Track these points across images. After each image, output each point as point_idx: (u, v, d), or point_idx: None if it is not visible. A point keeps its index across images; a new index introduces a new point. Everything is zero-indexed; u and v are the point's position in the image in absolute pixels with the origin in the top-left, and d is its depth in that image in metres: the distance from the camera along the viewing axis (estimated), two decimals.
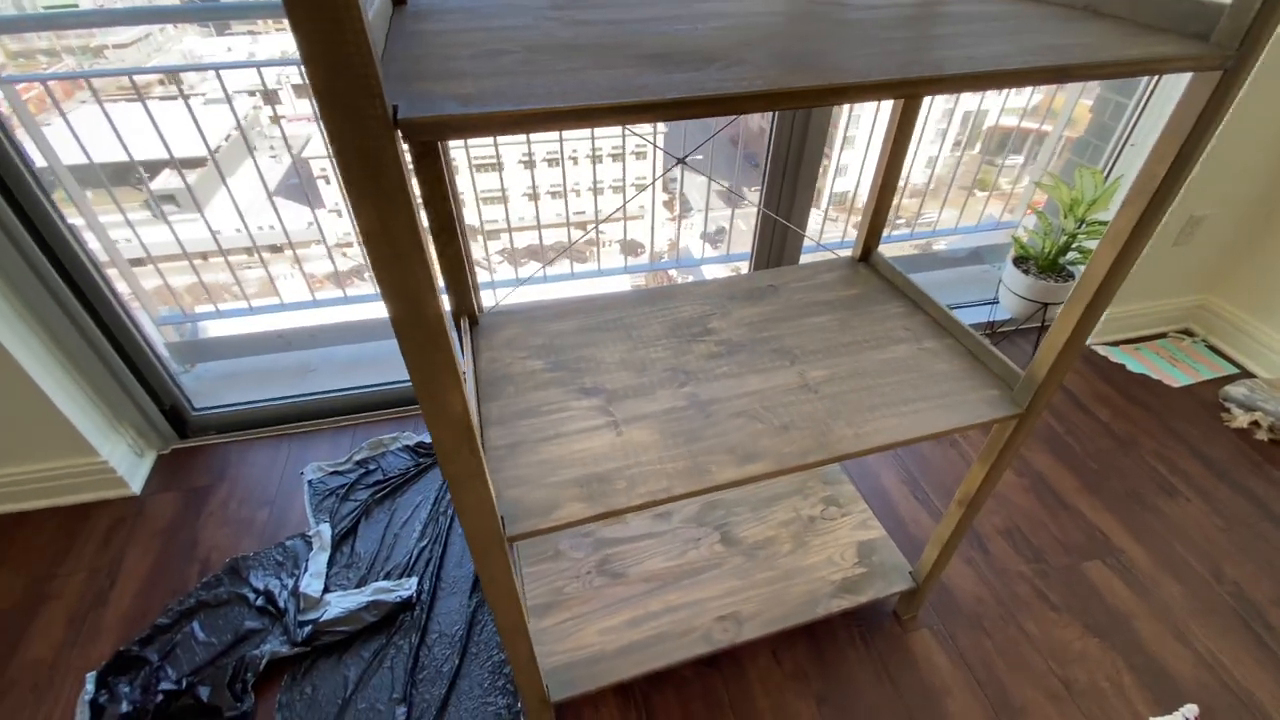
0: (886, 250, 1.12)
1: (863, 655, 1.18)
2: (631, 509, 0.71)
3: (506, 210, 1.95)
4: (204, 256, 1.72)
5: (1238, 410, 1.66)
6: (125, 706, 1.07)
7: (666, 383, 0.87)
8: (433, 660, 1.16)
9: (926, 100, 1.87)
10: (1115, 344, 1.91)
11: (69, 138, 1.41)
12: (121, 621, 1.22)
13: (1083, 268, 1.81)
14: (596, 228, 1.57)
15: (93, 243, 1.42)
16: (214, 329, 1.89)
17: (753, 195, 1.55)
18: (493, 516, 0.64)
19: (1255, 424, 1.63)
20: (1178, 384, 1.77)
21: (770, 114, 1.39)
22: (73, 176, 1.43)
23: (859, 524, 1.26)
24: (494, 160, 1.88)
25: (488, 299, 1.03)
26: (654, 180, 1.39)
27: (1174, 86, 1.54)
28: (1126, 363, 1.84)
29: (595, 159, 1.70)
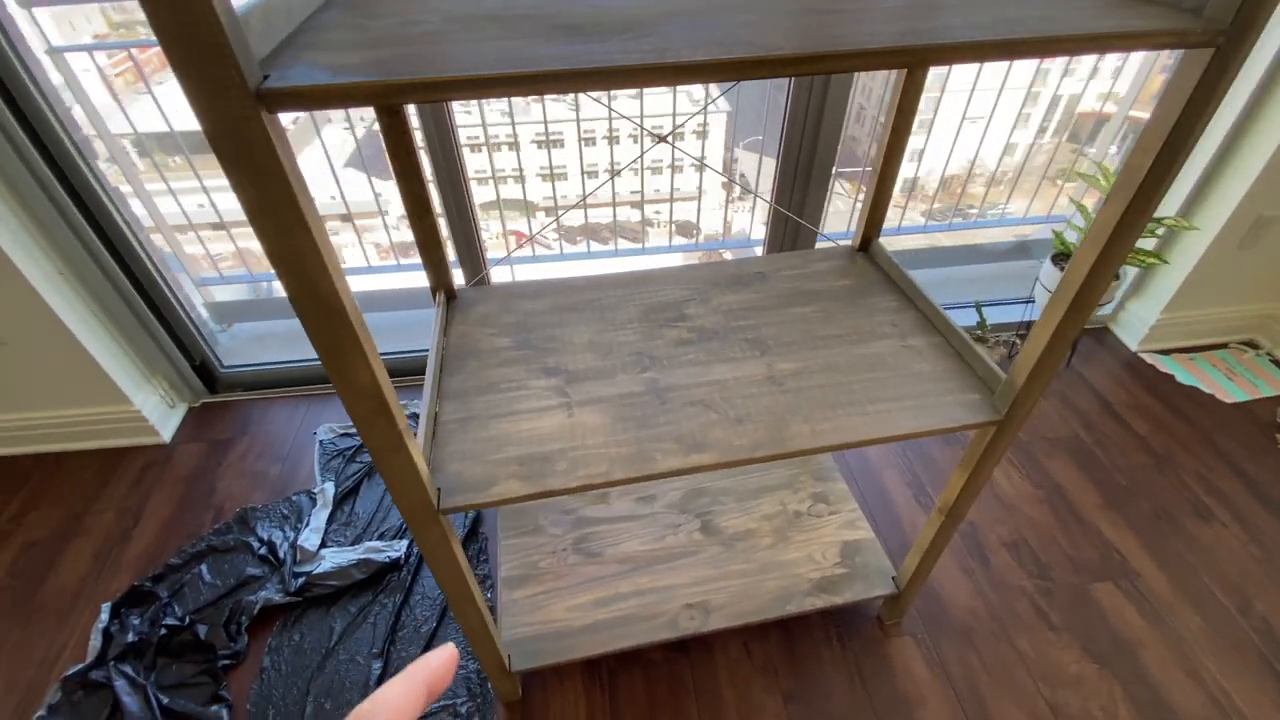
0: (916, 241, 1.06)
1: (837, 656, 1.15)
2: (568, 491, 0.71)
3: (525, 189, 1.95)
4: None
5: None
6: (132, 636, 1.16)
7: (629, 367, 0.86)
8: (413, 620, 1.21)
9: (996, 81, 1.73)
10: (1167, 352, 1.76)
11: (152, 110, 1.49)
12: (141, 558, 1.32)
13: (1127, 269, 1.68)
14: (586, 208, 1.55)
15: (138, 208, 1.51)
16: (247, 292, 1.99)
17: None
18: (421, 488, 0.65)
19: None
20: (1232, 399, 1.62)
21: (785, 93, 1.33)
22: (133, 149, 1.52)
23: (846, 523, 1.22)
24: (511, 139, 1.89)
25: (502, 274, 1.04)
26: (639, 159, 1.35)
27: (1249, 75, 1.38)
28: (1176, 373, 1.69)
29: (611, 139, 1.67)
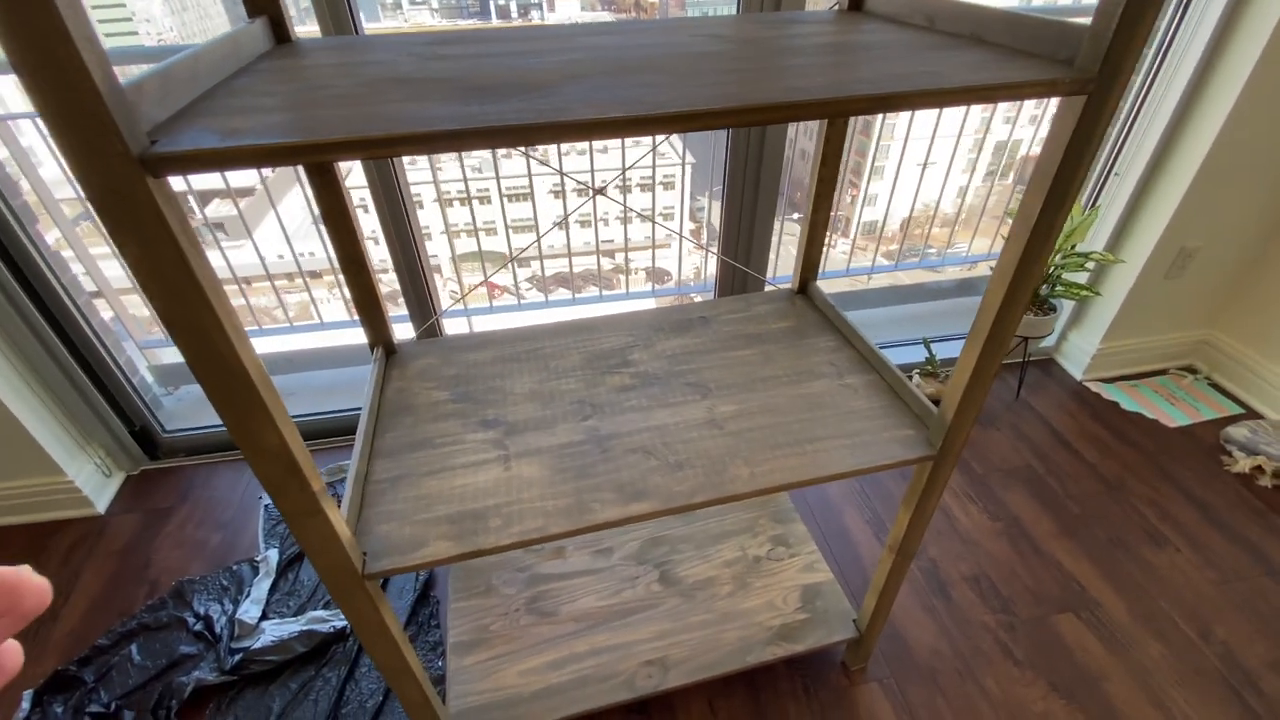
0: (877, 280, 1.09)
1: (803, 708, 1.11)
2: (500, 549, 0.69)
3: (479, 241, 1.96)
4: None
5: (1239, 453, 1.55)
6: None
7: (570, 415, 0.85)
8: (359, 695, 1.14)
9: (951, 129, 1.83)
10: (1110, 380, 1.82)
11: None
12: (68, 639, 1.24)
13: (1064, 302, 1.75)
14: (541, 251, 1.57)
15: (79, 271, 1.48)
16: None
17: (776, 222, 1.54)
18: (343, 553, 0.63)
19: (1259, 469, 1.52)
20: (1175, 424, 1.66)
21: (725, 145, 1.38)
22: (74, 212, 1.51)
23: (806, 566, 1.21)
24: (469, 193, 1.91)
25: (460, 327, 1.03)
26: (570, 213, 1.38)
27: (1160, 115, 1.48)
28: (1121, 400, 1.74)
29: (564, 193, 1.71)
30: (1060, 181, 0.57)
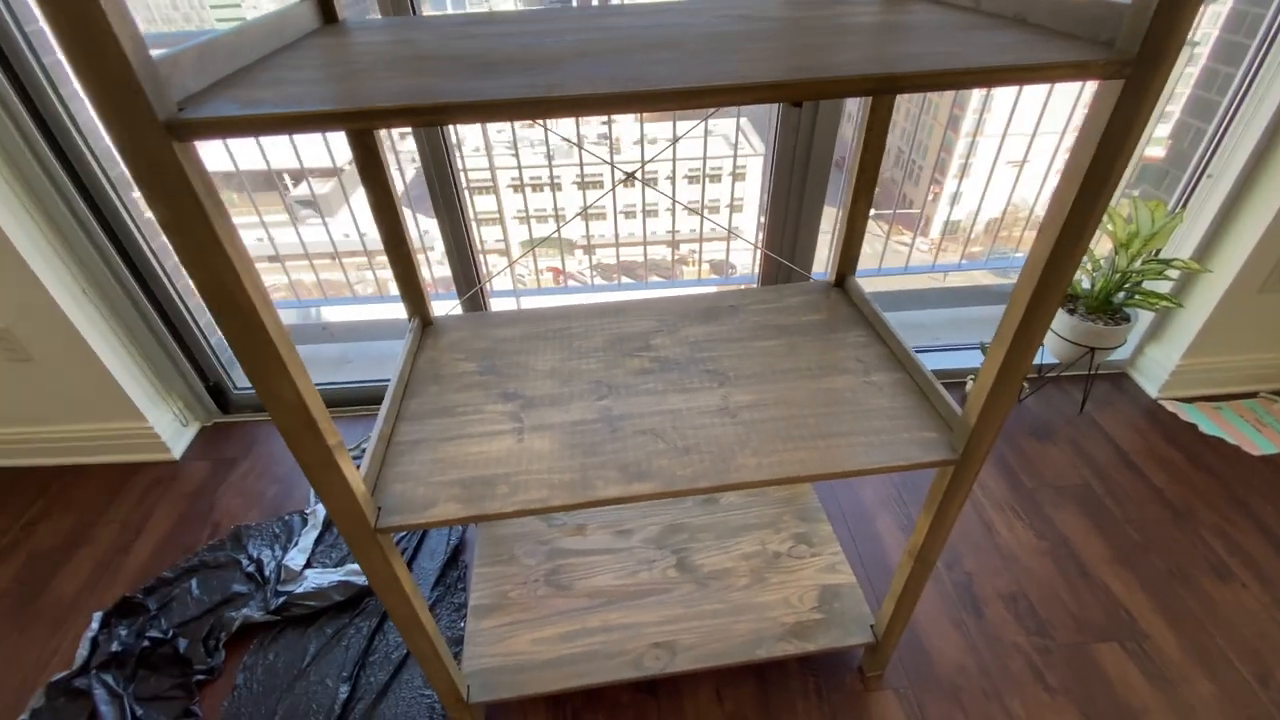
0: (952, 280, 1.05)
1: (812, 708, 1.10)
2: (505, 515, 0.72)
3: (529, 227, 2.00)
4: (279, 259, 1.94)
5: None
6: (116, 646, 1.19)
7: (586, 394, 0.87)
8: (385, 646, 1.21)
9: (1056, 124, 1.73)
10: (1190, 400, 1.68)
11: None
12: (138, 570, 1.37)
13: (1141, 312, 1.62)
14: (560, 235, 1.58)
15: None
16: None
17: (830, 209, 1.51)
18: (356, 506, 0.67)
19: None
20: (1260, 452, 1.52)
21: (773, 132, 1.35)
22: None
23: (828, 566, 1.18)
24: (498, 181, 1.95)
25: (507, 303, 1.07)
26: (609, 191, 1.39)
27: (1262, 113, 1.34)
28: (1200, 423, 1.61)
29: (583, 183, 1.72)
30: (1095, 173, 0.53)
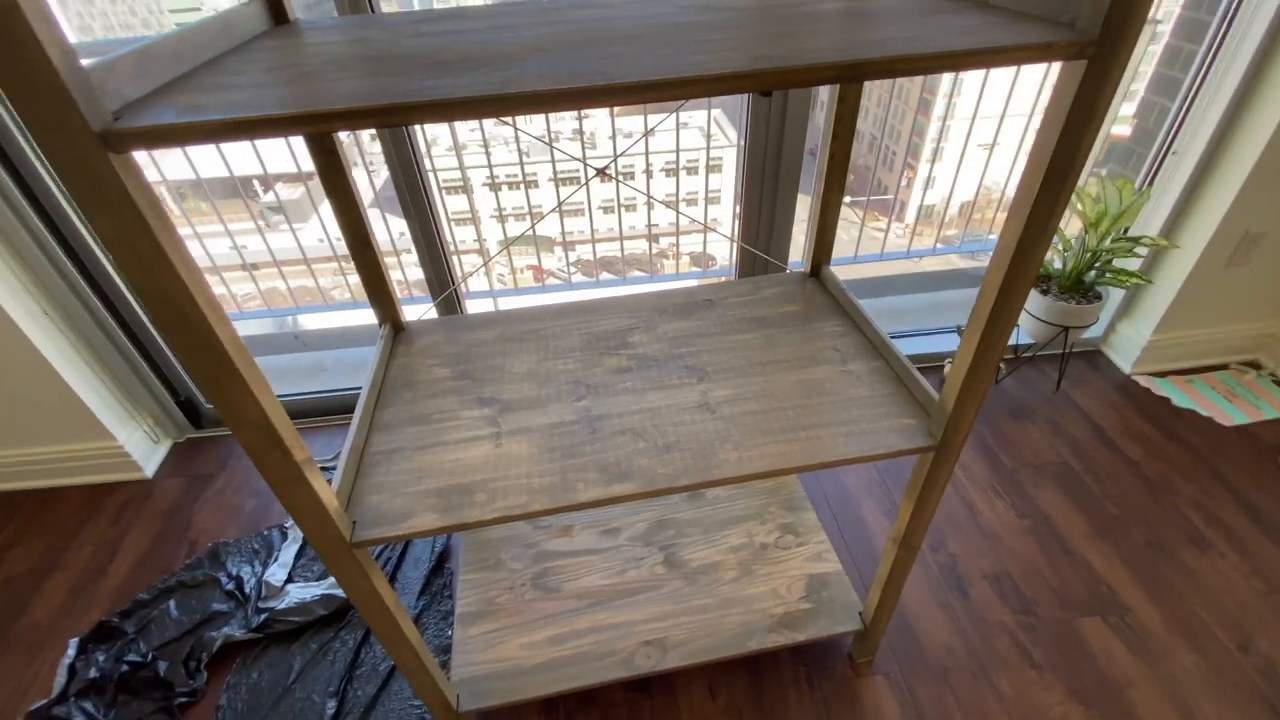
0: (928, 264, 1.06)
1: (805, 697, 1.10)
2: (482, 523, 0.70)
3: (504, 227, 1.99)
4: (256, 266, 1.90)
5: None
6: (94, 672, 1.16)
7: (564, 396, 0.86)
8: (372, 658, 1.19)
9: (1024, 106, 1.74)
10: (1162, 374, 1.70)
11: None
12: (114, 593, 1.33)
13: (1112, 290, 1.64)
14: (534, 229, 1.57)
15: None
16: (240, 330, 2.04)
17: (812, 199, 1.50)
18: (329, 521, 0.65)
19: None
20: (1232, 422, 1.55)
21: (744, 122, 1.34)
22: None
23: (814, 556, 1.19)
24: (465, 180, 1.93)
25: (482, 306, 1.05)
26: (582, 186, 1.37)
27: (1224, 90, 1.36)
28: (1172, 396, 1.63)
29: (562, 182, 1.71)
30: (1061, 154, 0.53)
